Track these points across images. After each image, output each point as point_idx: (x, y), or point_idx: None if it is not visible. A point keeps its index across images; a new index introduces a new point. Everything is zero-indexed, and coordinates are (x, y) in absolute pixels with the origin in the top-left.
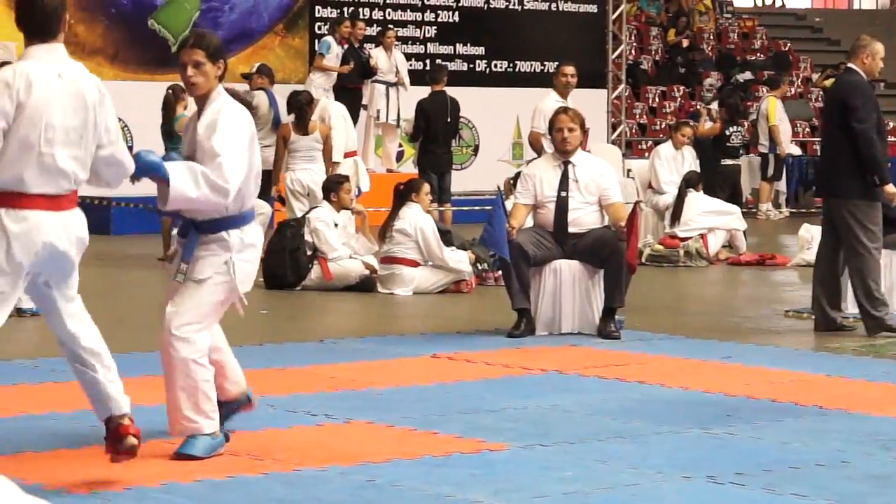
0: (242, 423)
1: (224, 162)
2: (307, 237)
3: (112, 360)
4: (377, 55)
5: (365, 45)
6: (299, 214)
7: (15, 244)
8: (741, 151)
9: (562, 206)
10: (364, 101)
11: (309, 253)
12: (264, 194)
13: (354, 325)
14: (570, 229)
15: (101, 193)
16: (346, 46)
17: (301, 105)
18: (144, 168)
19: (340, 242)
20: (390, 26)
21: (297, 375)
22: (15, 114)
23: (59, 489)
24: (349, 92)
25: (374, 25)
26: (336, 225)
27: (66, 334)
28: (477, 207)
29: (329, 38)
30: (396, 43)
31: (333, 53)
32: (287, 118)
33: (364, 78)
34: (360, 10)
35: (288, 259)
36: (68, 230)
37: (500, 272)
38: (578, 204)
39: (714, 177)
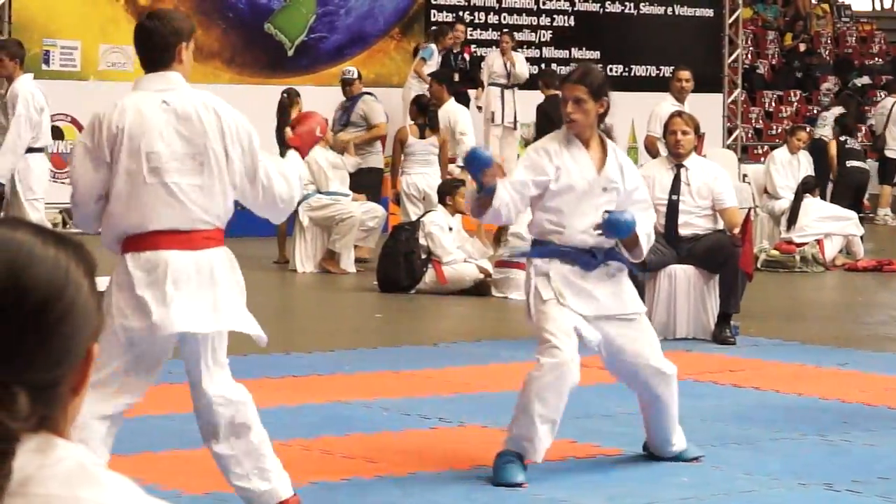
0: (357, 426)
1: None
2: (422, 241)
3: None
4: (493, 58)
5: (478, 48)
6: (414, 218)
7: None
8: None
9: (672, 209)
10: (479, 104)
11: (423, 256)
12: (377, 197)
13: (468, 329)
14: (681, 232)
15: None
16: (443, 52)
17: (429, 108)
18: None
19: (455, 246)
20: (505, 30)
21: (411, 379)
22: (115, 150)
23: (177, 490)
24: (458, 95)
25: (490, 30)
26: (451, 228)
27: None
28: None
29: (433, 45)
30: (517, 49)
31: (434, 61)
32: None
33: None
34: (476, 14)
35: (402, 262)
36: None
37: None
38: (689, 208)
39: (839, 180)
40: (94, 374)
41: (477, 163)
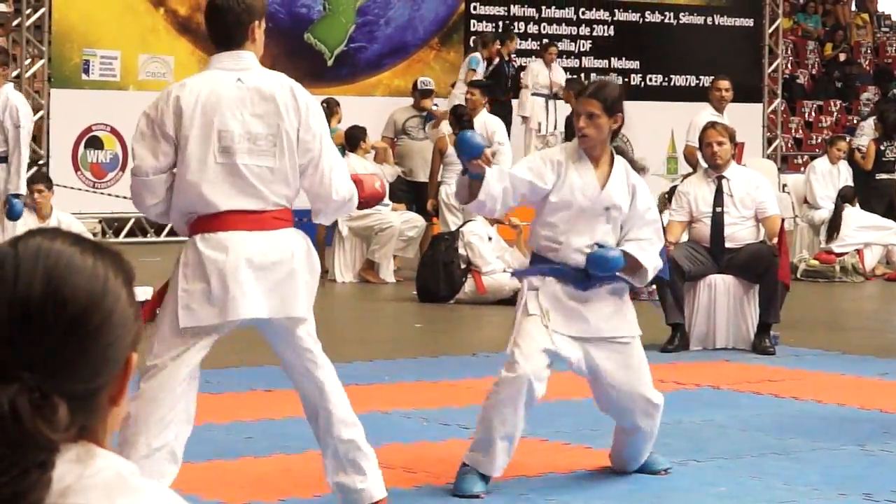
0: (396, 436)
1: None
2: (461, 250)
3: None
4: (538, 69)
5: (517, 57)
6: (453, 228)
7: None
8: None
9: (717, 221)
10: (526, 114)
11: (463, 266)
12: (419, 207)
13: (507, 339)
14: (727, 244)
15: None
16: (496, 61)
17: (463, 118)
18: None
19: (494, 256)
20: (547, 40)
21: (450, 389)
22: (184, 125)
23: (217, 500)
24: (500, 105)
25: (529, 40)
26: (490, 238)
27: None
28: None
29: (477, 55)
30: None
31: (480, 69)
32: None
33: (509, 92)
34: (516, 24)
35: (442, 272)
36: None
37: (653, 286)
38: (734, 219)
39: (869, 191)
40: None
41: (467, 148)
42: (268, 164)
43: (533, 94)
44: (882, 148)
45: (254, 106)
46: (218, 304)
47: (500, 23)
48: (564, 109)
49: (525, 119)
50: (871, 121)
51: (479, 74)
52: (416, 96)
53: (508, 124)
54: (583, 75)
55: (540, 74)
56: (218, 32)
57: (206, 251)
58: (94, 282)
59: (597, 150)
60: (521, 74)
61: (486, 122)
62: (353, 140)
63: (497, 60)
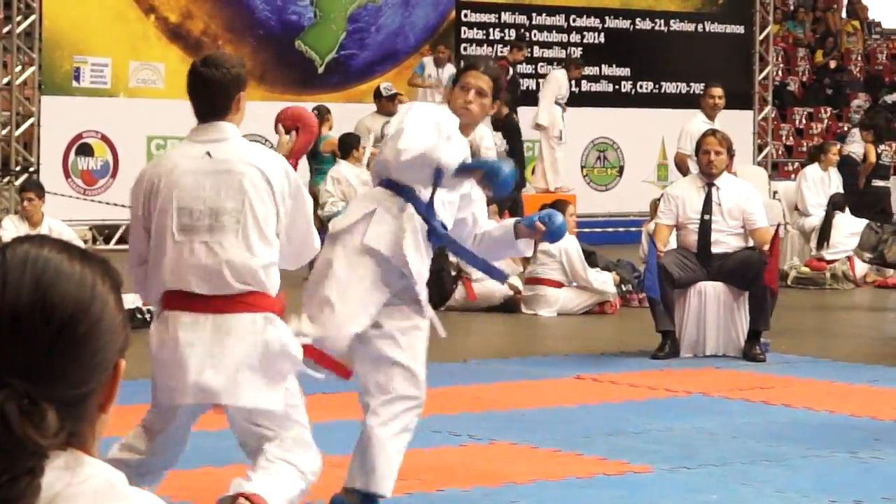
0: None
1: None
2: (451, 258)
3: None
4: (562, 80)
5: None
6: None
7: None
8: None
9: (704, 229)
10: (544, 123)
11: (453, 273)
12: None
13: (498, 346)
14: (714, 250)
15: None
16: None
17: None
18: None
19: None
20: (568, 50)
21: (440, 396)
22: (150, 203)
23: None
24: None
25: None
26: None
27: None
28: (622, 229)
29: (425, 59)
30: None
31: (426, 74)
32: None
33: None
34: (506, 31)
35: (432, 279)
36: (222, 342)
37: (643, 293)
38: (721, 227)
39: (862, 197)
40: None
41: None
42: (228, 242)
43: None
44: (878, 152)
45: (218, 180)
46: (177, 381)
47: (491, 30)
48: (570, 119)
49: (541, 127)
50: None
51: (436, 78)
52: (381, 103)
53: (517, 133)
54: (573, 83)
55: (563, 86)
56: (201, 104)
57: (162, 332)
58: (81, 288)
59: (468, 130)
60: (541, 82)
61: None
62: (345, 147)
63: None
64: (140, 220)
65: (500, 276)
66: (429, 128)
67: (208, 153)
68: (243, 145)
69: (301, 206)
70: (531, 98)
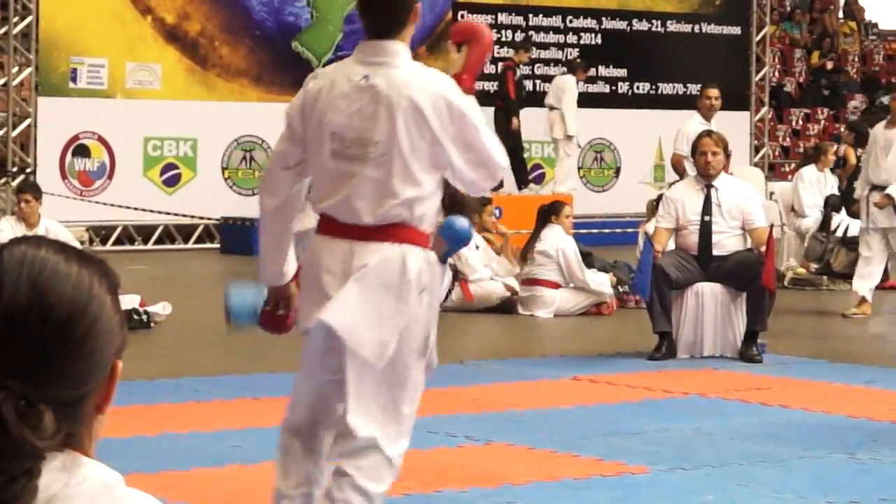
0: None
1: None
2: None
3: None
4: (572, 86)
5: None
6: None
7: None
8: None
9: (705, 230)
10: (572, 132)
11: (450, 274)
12: None
13: (495, 347)
14: (714, 252)
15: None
16: (516, 72)
17: None
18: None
19: (482, 264)
20: (576, 52)
21: (437, 397)
22: (305, 120)
23: None
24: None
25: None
26: (477, 247)
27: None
28: (618, 230)
29: None
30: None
31: None
32: None
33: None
34: (503, 32)
35: None
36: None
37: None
38: (721, 228)
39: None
40: None
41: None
42: (376, 175)
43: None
44: (858, 156)
45: (371, 107)
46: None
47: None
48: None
49: (571, 138)
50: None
51: None
52: None
53: (519, 138)
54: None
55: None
56: (376, 19)
57: (315, 255)
58: (78, 289)
59: None
60: (538, 84)
61: None
62: None
63: (515, 71)
64: (293, 131)
65: None
66: None
67: (367, 77)
68: (407, 71)
69: (466, 128)
70: (529, 99)
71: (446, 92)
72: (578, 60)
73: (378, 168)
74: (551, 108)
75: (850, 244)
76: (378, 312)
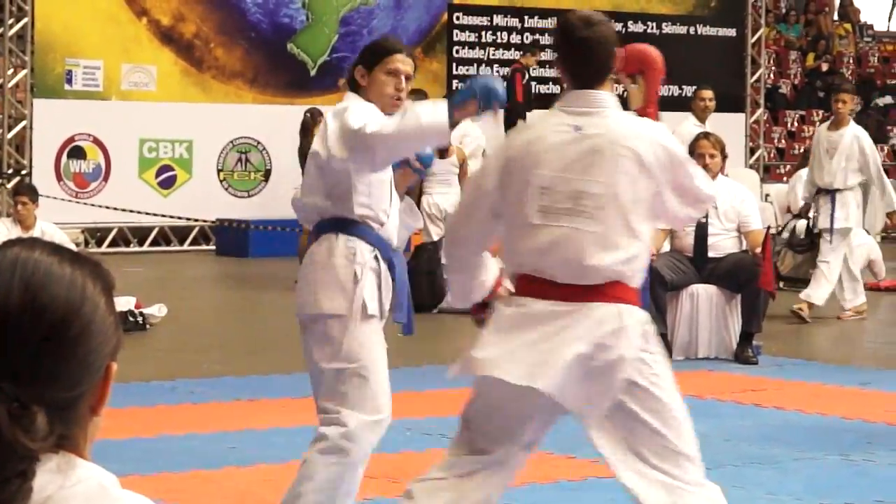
0: (381, 446)
1: None
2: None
3: None
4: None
5: (500, 68)
6: (436, 238)
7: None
8: None
9: (701, 231)
10: None
11: (446, 276)
12: None
13: None
14: (710, 254)
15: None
16: (525, 75)
17: None
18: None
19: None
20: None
21: (433, 398)
22: (507, 175)
23: None
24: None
25: (513, 49)
26: None
27: None
28: None
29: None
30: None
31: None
32: None
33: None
34: (499, 34)
35: (425, 282)
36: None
37: None
38: (717, 230)
39: None
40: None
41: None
42: (593, 230)
43: None
44: None
45: (586, 160)
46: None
47: (483, 33)
48: None
49: None
50: None
51: None
52: None
53: None
54: (565, 86)
55: None
56: (583, 70)
57: (508, 314)
58: (72, 290)
59: None
60: (532, 86)
61: (460, 131)
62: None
63: (524, 74)
64: (489, 197)
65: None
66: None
67: (577, 127)
68: (618, 120)
69: (681, 173)
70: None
71: (662, 140)
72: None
73: (595, 222)
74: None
75: (797, 247)
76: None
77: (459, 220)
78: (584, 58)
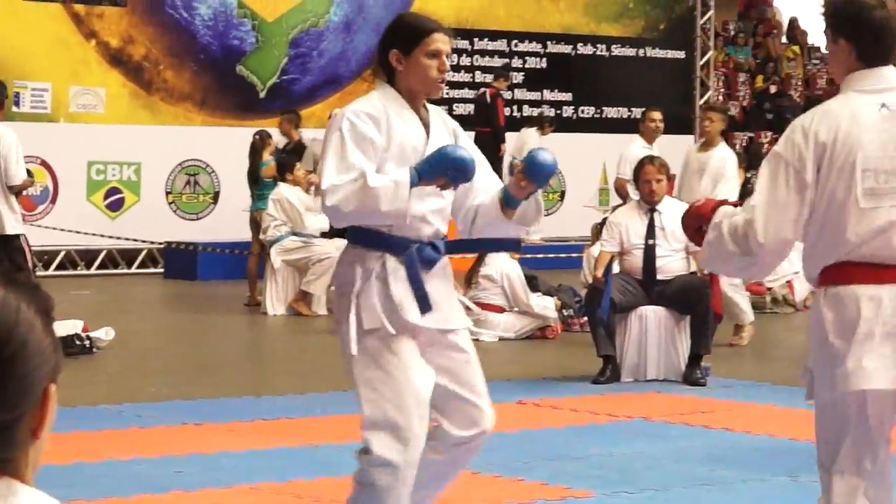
0: (328, 470)
1: None
2: None
3: None
4: (530, 137)
5: (451, 90)
6: None
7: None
8: None
9: (649, 254)
10: None
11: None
12: None
13: None
14: (659, 276)
15: (193, 239)
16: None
17: None
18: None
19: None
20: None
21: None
22: (824, 162)
23: None
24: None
25: (462, 72)
26: None
27: None
28: (563, 254)
29: None
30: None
31: None
32: None
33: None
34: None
35: None
36: None
37: (585, 318)
38: (666, 251)
39: None
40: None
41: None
42: None
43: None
44: (748, 177)
45: None
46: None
47: None
48: (510, 142)
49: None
50: None
51: None
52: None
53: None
54: (515, 108)
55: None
56: (877, 48)
57: (827, 311)
58: (5, 312)
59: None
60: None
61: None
62: (281, 169)
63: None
64: (807, 190)
65: (513, 246)
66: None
67: (884, 105)
68: None
69: None
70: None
71: None
72: (546, 116)
73: None
74: (513, 158)
75: None
76: None
77: (777, 227)
78: (877, 37)
